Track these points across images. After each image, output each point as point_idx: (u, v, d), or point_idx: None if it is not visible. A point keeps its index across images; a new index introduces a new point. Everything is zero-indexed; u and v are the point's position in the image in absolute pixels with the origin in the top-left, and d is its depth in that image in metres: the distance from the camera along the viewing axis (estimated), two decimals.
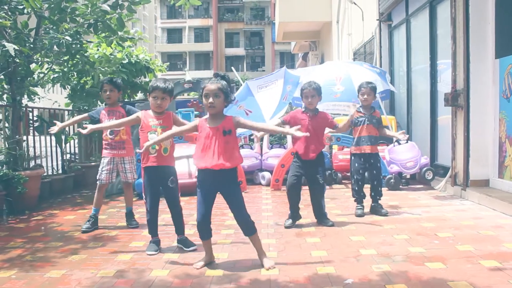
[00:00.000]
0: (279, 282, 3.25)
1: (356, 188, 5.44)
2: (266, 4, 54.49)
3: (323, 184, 4.96)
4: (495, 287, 3.04)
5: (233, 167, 3.61)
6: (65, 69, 8.03)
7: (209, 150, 3.54)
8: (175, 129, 3.90)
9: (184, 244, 4.19)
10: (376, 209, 5.38)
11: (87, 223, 4.99)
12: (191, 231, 4.78)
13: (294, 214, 5.00)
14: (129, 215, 5.14)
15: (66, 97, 9.11)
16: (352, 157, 5.49)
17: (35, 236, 4.78)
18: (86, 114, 5.26)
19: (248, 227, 3.70)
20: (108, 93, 5.02)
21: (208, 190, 3.66)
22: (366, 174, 5.51)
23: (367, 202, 5.48)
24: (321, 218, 4.98)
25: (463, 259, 3.64)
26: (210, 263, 3.72)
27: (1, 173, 5.80)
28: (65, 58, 6.72)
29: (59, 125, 4.84)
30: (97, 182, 5.03)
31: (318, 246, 4.12)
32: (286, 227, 4.86)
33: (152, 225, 4.22)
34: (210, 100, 3.54)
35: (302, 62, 25.44)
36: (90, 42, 6.75)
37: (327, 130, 5.17)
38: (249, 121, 3.71)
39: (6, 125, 6.51)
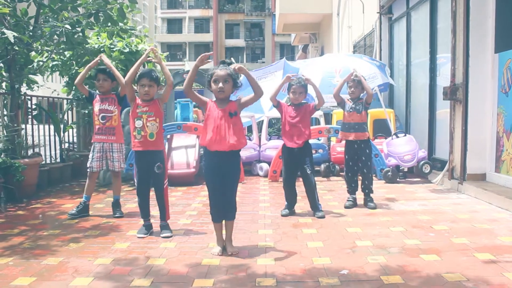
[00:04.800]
0: (274, 273, 3.27)
1: (346, 178, 5.55)
2: None
3: (311, 174, 5.00)
4: (488, 279, 3.06)
5: (239, 148, 3.75)
6: (65, 59, 8.01)
7: (220, 133, 3.65)
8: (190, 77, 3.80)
9: (162, 229, 4.30)
10: (365, 202, 5.43)
11: (75, 209, 5.06)
12: (188, 221, 4.82)
13: (290, 205, 5.12)
14: (116, 204, 5.15)
15: (63, 86, 9.09)
16: (345, 146, 5.57)
17: (33, 224, 4.80)
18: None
19: (231, 212, 3.81)
20: (101, 82, 5.08)
21: (215, 174, 3.75)
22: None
23: (361, 194, 5.50)
24: (313, 209, 5.04)
25: (458, 251, 3.66)
26: (224, 249, 3.77)
27: (0, 161, 5.81)
28: (65, 47, 6.69)
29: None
30: (88, 170, 5.09)
31: (315, 237, 4.14)
32: (283, 216, 4.97)
33: (142, 209, 4.36)
34: (220, 85, 3.67)
35: (302, 54, 25.39)
36: (91, 29, 6.72)
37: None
38: (247, 96, 3.83)
39: (5, 113, 6.50)
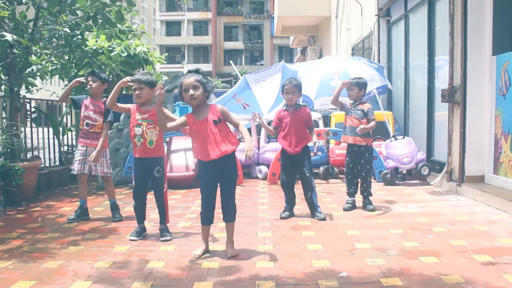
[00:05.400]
0: (274, 275, 3.27)
1: (346, 182, 5.55)
2: None
3: (310, 176, 5.01)
4: (487, 281, 3.07)
5: (232, 151, 3.73)
6: (64, 62, 8.03)
7: (207, 143, 3.64)
8: (166, 121, 3.86)
9: (161, 233, 4.32)
10: (364, 205, 5.44)
11: (73, 214, 5.07)
12: (187, 224, 4.82)
13: (290, 207, 5.13)
14: (113, 207, 5.16)
15: (63, 89, 9.10)
16: (346, 149, 5.56)
17: (32, 227, 4.80)
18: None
19: (231, 214, 3.85)
20: (91, 83, 5.07)
21: (211, 179, 3.77)
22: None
23: (360, 197, 5.52)
24: (313, 211, 5.05)
25: (456, 253, 3.67)
26: (207, 251, 3.82)
27: None
28: (64, 50, 6.71)
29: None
30: (72, 172, 5.11)
31: (314, 240, 4.15)
32: (282, 218, 4.97)
33: (138, 213, 4.38)
34: (191, 92, 3.64)
35: (300, 57, 25.45)
36: (90, 31, 6.74)
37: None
38: (232, 116, 3.81)
39: (4, 116, 6.51)
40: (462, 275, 3.19)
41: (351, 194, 5.52)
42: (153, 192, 4.37)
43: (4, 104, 6.59)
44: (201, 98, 3.69)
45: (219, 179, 3.78)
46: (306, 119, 5.04)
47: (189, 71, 3.80)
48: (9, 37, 5.15)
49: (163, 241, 4.20)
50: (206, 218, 3.83)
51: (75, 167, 5.04)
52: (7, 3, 5.85)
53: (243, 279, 3.23)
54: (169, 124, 3.82)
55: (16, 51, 6.03)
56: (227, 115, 3.76)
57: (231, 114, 3.86)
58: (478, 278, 3.12)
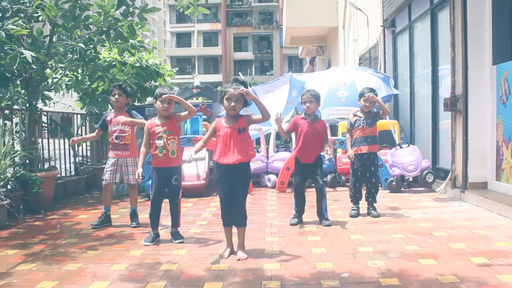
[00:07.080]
0: (280, 276, 3.48)
1: (353, 190, 5.70)
2: (275, 8, 54.78)
3: (323, 185, 5.21)
4: (481, 281, 3.24)
5: (248, 160, 4.05)
6: (78, 75, 8.32)
7: (229, 149, 3.97)
8: (204, 140, 4.21)
9: (174, 236, 4.59)
10: (369, 211, 5.62)
11: (97, 220, 5.33)
12: (198, 230, 5.04)
13: (299, 214, 5.30)
14: (133, 214, 5.40)
15: (76, 100, 9.41)
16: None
17: (52, 233, 5.05)
18: (94, 134, 5.61)
19: (241, 219, 4.10)
20: (116, 96, 5.34)
21: (228, 183, 4.05)
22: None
23: (364, 204, 5.70)
24: (320, 217, 5.23)
25: (454, 256, 3.84)
26: (232, 252, 4.08)
27: (18, 174, 6.08)
28: (78, 63, 6.98)
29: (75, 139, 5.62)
30: (103, 182, 5.37)
31: (319, 244, 4.34)
32: (291, 225, 5.16)
33: (154, 219, 4.61)
34: (232, 104, 3.97)
35: (309, 67, 25.66)
36: (103, 45, 7.01)
37: None
38: (256, 116, 4.14)
39: (23, 128, 6.80)
40: (457, 275, 3.36)
41: (356, 201, 5.69)
42: (167, 199, 4.61)
43: (23, 117, 6.88)
44: (239, 111, 4.04)
45: (231, 184, 4.04)
46: (321, 131, 5.23)
47: (236, 80, 4.07)
48: (28, 56, 5.41)
49: (177, 243, 4.45)
50: (226, 220, 4.11)
51: (107, 177, 5.30)
52: (26, 22, 6.14)
53: (251, 279, 3.44)
54: (205, 137, 4.20)
55: (34, 67, 6.32)
56: (254, 118, 4.09)
57: (254, 115, 4.18)
58: (472, 278, 3.29)
